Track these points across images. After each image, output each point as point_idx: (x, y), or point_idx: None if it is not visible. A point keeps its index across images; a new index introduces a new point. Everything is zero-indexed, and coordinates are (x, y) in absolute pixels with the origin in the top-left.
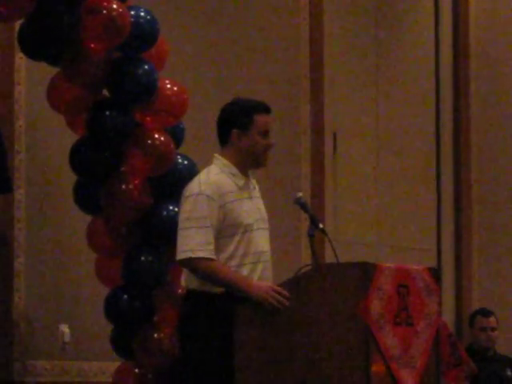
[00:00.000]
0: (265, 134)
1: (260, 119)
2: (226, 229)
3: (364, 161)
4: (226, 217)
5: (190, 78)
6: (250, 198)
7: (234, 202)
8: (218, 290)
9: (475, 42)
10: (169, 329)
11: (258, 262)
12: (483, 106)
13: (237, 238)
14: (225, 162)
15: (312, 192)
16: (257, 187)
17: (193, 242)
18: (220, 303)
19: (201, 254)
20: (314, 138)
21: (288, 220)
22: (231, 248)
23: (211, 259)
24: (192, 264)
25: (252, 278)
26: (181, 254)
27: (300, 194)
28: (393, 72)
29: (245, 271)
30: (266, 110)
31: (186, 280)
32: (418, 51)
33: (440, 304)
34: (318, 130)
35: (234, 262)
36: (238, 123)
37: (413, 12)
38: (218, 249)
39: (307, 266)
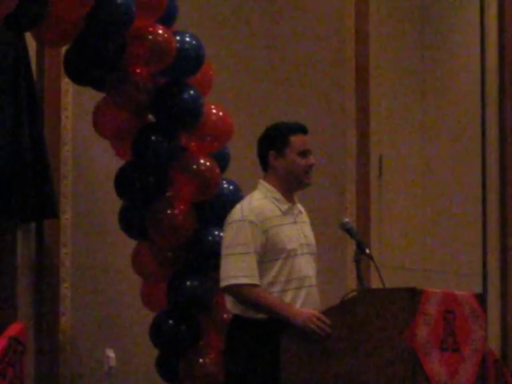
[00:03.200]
0: (303, 153)
1: (296, 139)
2: (269, 254)
3: (410, 185)
4: (269, 242)
5: (234, 102)
6: (295, 222)
7: (277, 227)
8: (263, 315)
9: None
10: (214, 354)
11: (302, 288)
12: None
13: (279, 263)
14: (268, 187)
15: (358, 217)
16: (304, 212)
17: (236, 269)
18: (265, 329)
19: (244, 281)
20: (359, 162)
21: (334, 245)
22: (273, 273)
23: (254, 285)
24: (235, 290)
25: (295, 304)
26: (224, 281)
27: (346, 219)
28: (438, 94)
29: (288, 297)
30: (302, 130)
31: (230, 305)
32: (463, 74)
33: (486, 330)
34: (363, 153)
35: (276, 288)
36: (274, 145)
37: (458, 35)
38: (261, 274)
39: (353, 291)
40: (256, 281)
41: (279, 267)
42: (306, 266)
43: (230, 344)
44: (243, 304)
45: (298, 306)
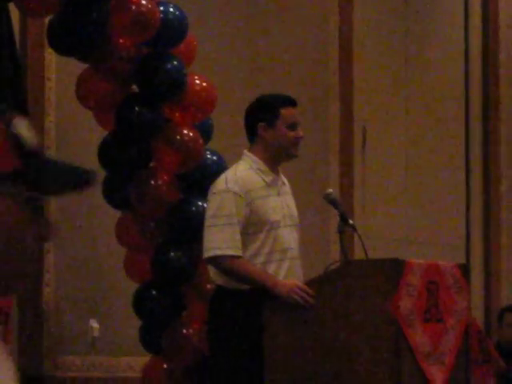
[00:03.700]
0: (292, 126)
1: (286, 112)
2: (252, 226)
3: (394, 156)
4: (252, 214)
5: (218, 73)
6: (278, 194)
7: (261, 198)
8: (246, 286)
9: (505, 30)
10: (197, 324)
11: (285, 259)
12: None
13: (262, 235)
14: (253, 158)
15: (341, 188)
16: (287, 183)
17: (219, 240)
18: (248, 300)
19: (227, 252)
20: (342, 133)
21: (317, 216)
22: (257, 245)
23: (237, 256)
24: (218, 262)
25: (278, 276)
26: (207, 252)
27: (330, 190)
28: (422, 65)
29: (271, 268)
30: (291, 102)
31: (213, 276)
32: (447, 42)
33: (469, 300)
34: (346, 124)
35: (259, 259)
36: (263, 117)
37: (442, 8)
38: (244, 246)
39: (336, 262)
40: (239, 252)
41: (263, 239)
42: (289, 238)
43: (212, 314)
44: (226, 275)
45: (280, 277)
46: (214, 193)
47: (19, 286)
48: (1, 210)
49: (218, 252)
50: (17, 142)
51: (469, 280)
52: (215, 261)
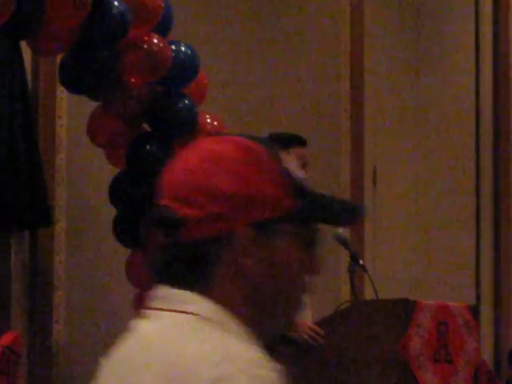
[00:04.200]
0: (301, 167)
1: (295, 152)
2: None
3: (404, 195)
4: None
5: (228, 110)
6: None
7: None
8: None
9: None
10: None
11: None
12: None
13: None
14: None
15: (351, 227)
16: None
17: None
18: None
19: None
20: (353, 172)
21: (328, 256)
22: None
23: None
24: None
25: None
26: None
27: (340, 230)
28: (433, 105)
29: None
30: (301, 142)
31: None
32: (458, 78)
33: (479, 341)
34: (357, 163)
35: None
36: None
37: (453, 14)
38: None
39: (347, 302)
40: None
41: None
42: None
43: None
44: None
45: None
46: None
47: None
48: (290, 249)
49: None
50: (290, 178)
51: (478, 320)
52: None
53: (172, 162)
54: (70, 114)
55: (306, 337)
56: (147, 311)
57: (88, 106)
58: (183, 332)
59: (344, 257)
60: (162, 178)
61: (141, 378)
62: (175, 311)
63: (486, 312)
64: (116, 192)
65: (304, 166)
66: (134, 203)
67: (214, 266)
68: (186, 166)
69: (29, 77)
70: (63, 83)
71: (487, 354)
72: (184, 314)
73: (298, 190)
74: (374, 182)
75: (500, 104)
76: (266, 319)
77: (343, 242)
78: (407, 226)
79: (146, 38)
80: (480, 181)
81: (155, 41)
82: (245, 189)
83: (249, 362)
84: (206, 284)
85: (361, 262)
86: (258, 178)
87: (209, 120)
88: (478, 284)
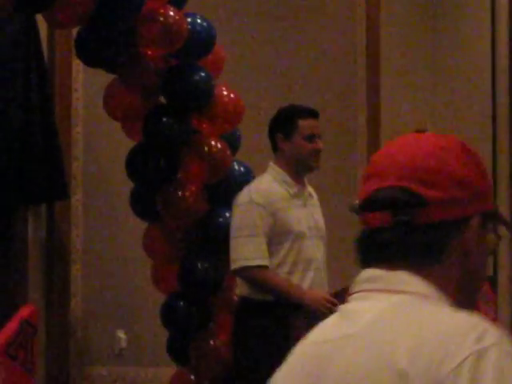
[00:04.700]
0: (310, 137)
1: (303, 123)
2: (276, 236)
3: None
4: (277, 224)
5: (246, 84)
6: (305, 205)
7: (285, 209)
8: (270, 297)
9: None
10: (225, 335)
11: (309, 270)
12: None
13: (287, 245)
14: (277, 169)
15: None
16: (314, 195)
17: (245, 251)
18: (273, 311)
19: (254, 262)
20: (369, 143)
21: (344, 227)
22: (281, 255)
23: (264, 266)
24: (246, 273)
25: (302, 286)
26: (234, 263)
27: (357, 201)
28: (449, 80)
29: (295, 278)
30: (311, 114)
31: (238, 287)
32: (473, 58)
33: (496, 312)
34: (374, 135)
35: (284, 269)
36: (282, 128)
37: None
38: (269, 255)
39: None
40: (266, 262)
41: (287, 249)
42: (314, 249)
43: (238, 326)
44: (254, 285)
45: (304, 287)
46: (238, 205)
47: None
48: (486, 242)
49: (246, 263)
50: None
51: (496, 292)
52: (243, 272)
53: (388, 148)
54: (86, 87)
55: (323, 308)
56: (359, 293)
57: (104, 78)
58: (421, 308)
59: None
60: (381, 161)
61: (396, 350)
62: (394, 292)
63: (503, 284)
64: (133, 165)
65: (313, 137)
66: (151, 176)
67: (444, 249)
68: (420, 151)
69: (45, 50)
70: (79, 56)
71: (504, 326)
72: (402, 294)
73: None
74: None
75: None
76: (467, 306)
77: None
78: None
79: (161, 11)
80: (496, 146)
81: (171, 13)
82: (478, 179)
83: (498, 338)
84: (428, 266)
85: None
86: (481, 172)
87: (225, 93)
88: (495, 255)
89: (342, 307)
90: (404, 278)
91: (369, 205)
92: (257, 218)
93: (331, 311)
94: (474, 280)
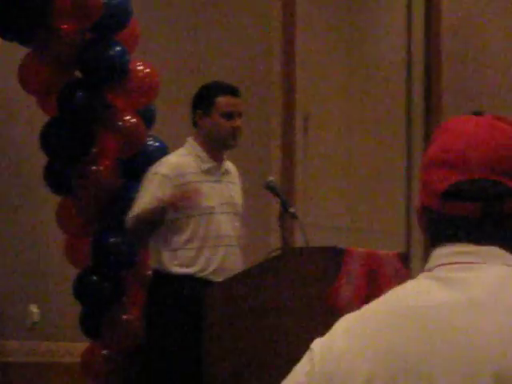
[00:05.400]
0: (228, 115)
1: (222, 101)
2: (184, 210)
3: (335, 144)
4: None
5: (161, 59)
6: (219, 181)
7: (194, 183)
8: (179, 270)
9: (447, 24)
10: (137, 310)
11: (220, 246)
12: (454, 89)
13: (195, 220)
14: (194, 144)
15: (282, 175)
16: (233, 172)
17: (133, 208)
18: (185, 285)
19: (135, 212)
20: (284, 120)
21: (257, 204)
22: (190, 229)
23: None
24: (128, 223)
25: (212, 262)
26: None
27: (271, 178)
28: (365, 54)
29: (205, 254)
30: (230, 91)
31: (151, 260)
32: (390, 31)
33: None
34: (288, 112)
35: (193, 245)
36: (201, 104)
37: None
38: (179, 230)
39: (277, 250)
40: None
41: (195, 224)
42: (227, 225)
43: (149, 299)
44: (135, 234)
45: (215, 264)
46: (146, 174)
47: None
48: None
49: (129, 215)
50: None
51: (409, 268)
52: (127, 224)
53: (463, 135)
54: (0, 60)
55: (178, 197)
56: (452, 265)
57: (19, 52)
58: None
59: (274, 204)
60: (461, 150)
61: None
62: (496, 264)
63: (417, 260)
64: (47, 139)
65: (231, 114)
66: (65, 150)
67: None
68: (502, 140)
69: None
70: None
71: None
72: (506, 267)
73: None
74: (306, 129)
75: (431, 52)
76: None
77: (273, 190)
78: (338, 175)
79: None
80: (411, 129)
81: None
82: None
83: None
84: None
85: (291, 209)
86: None
87: (141, 67)
88: (408, 231)
89: (437, 276)
90: (501, 253)
91: (458, 195)
92: (156, 188)
93: (186, 198)
94: None
